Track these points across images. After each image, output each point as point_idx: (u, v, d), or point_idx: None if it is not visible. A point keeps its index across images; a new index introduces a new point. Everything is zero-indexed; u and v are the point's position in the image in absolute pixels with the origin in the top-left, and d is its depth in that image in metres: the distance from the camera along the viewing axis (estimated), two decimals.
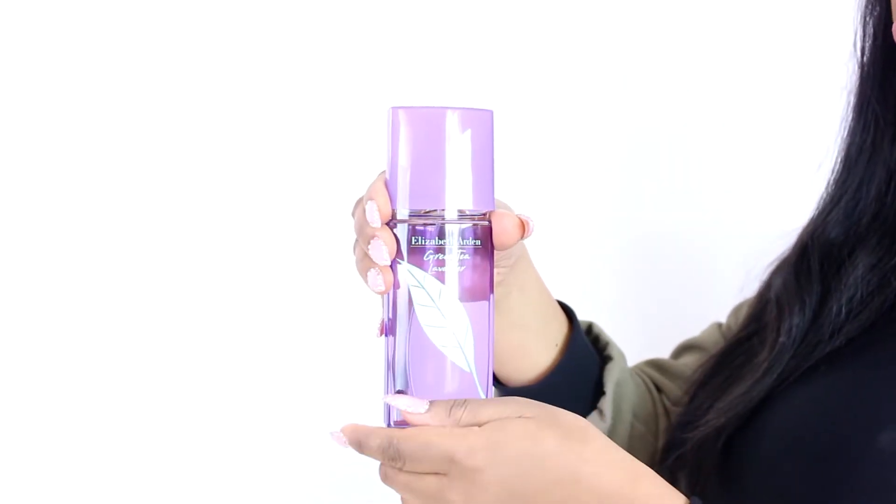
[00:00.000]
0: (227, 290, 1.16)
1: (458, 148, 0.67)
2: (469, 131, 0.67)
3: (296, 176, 1.16)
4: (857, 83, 0.83)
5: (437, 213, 0.67)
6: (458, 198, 0.67)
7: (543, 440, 0.63)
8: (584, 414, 0.87)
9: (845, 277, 0.80)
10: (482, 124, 0.68)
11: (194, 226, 1.15)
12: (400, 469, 0.65)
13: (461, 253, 0.67)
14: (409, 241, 0.67)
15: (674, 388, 0.94)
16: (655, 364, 0.97)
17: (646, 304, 1.21)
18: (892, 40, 0.76)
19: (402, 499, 0.67)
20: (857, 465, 0.70)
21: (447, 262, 0.67)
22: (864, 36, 0.82)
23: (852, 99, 0.83)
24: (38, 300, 1.12)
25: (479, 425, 0.64)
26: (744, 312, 0.91)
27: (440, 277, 0.67)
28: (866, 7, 0.82)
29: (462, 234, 0.67)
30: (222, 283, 1.16)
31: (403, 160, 0.67)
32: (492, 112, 0.69)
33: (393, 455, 0.65)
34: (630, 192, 1.21)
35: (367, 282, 0.68)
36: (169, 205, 1.14)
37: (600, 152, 1.21)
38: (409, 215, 0.67)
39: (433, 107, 0.68)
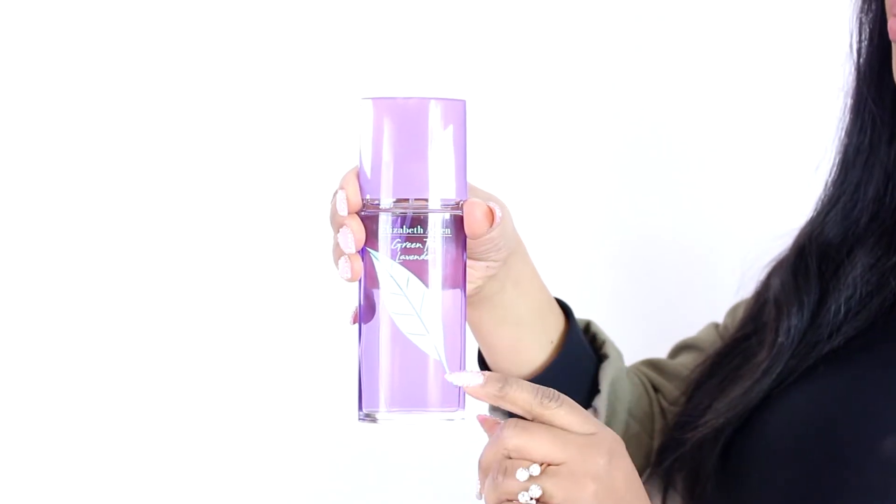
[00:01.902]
0: (227, 289, 1.16)
1: (433, 138, 0.67)
2: (444, 122, 0.68)
3: (293, 175, 1.16)
4: (854, 84, 0.83)
5: (409, 202, 0.67)
6: (434, 188, 0.67)
7: (600, 448, 0.65)
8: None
9: (843, 277, 0.80)
10: (456, 114, 0.68)
11: (193, 226, 1.15)
12: None
13: (432, 241, 0.67)
14: (381, 230, 0.67)
15: (671, 388, 0.94)
16: (652, 364, 0.97)
17: (642, 304, 1.21)
18: (888, 39, 0.76)
19: None
20: (861, 470, 0.70)
21: (417, 251, 0.67)
22: (860, 37, 0.82)
23: (849, 100, 0.83)
24: (34, 300, 1.12)
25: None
26: (741, 312, 0.91)
27: (409, 266, 0.67)
28: (861, 8, 0.82)
29: (433, 223, 0.67)
30: (221, 281, 1.16)
31: (379, 150, 0.67)
32: (464, 101, 0.69)
33: None
34: (627, 192, 1.21)
35: (337, 270, 0.69)
36: (166, 205, 1.14)
37: (596, 153, 1.21)
38: (383, 204, 0.67)
39: (408, 97, 0.68)
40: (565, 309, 0.88)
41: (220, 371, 1.16)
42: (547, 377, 0.85)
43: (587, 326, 0.91)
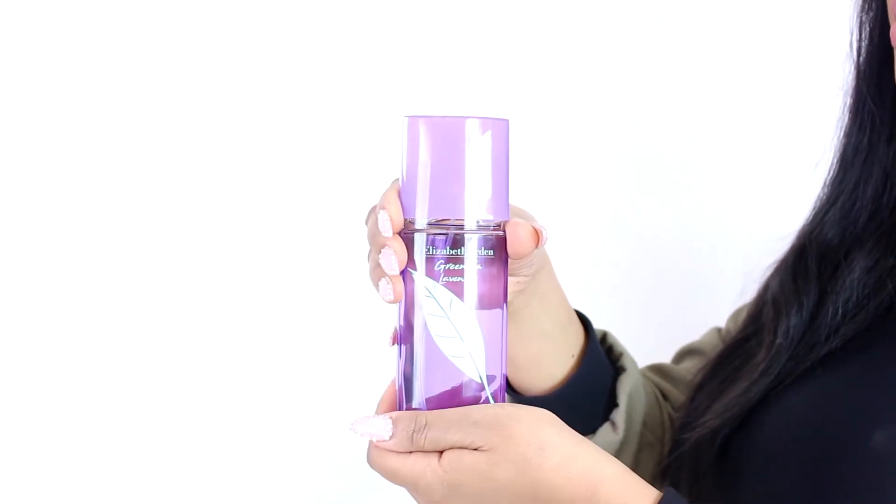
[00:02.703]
0: (228, 290, 1.16)
1: (476, 158, 0.67)
2: (487, 141, 0.67)
3: (303, 181, 1.17)
4: (853, 83, 0.83)
5: (451, 222, 0.67)
6: (475, 208, 0.67)
7: (497, 476, 0.64)
8: (596, 426, 0.87)
9: (841, 280, 0.80)
10: (499, 133, 0.68)
11: (202, 230, 1.15)
12: None
13: (474, 263, 0.67)
14: (423, 251, 0.67)
15: (676, 394, 0.94)
16: (659, 370, 0.97)
17: (644, 307, 1.21)
18: (889, 42, 0.76)
19: None
20: (852, 465, 0.70)
21: (460, 273, 0.67)
22: (861, 36, 0.82)
23: (848, 99, 0.83)
24: (41, 300, 1.13)
25: (441, 452, 0.65)
26: (743, 316, 0.91)
27: (452, 287, 0.67)
28: (862, 8, 0.82)
29: (475, 244, 0.67)
30: (223, 282, 1.16)
31: (421, 170, 0.67)
32: (508, 121, 0.68)
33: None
34: (627, 194, 1.22)
35: (378, 291, 0.68)
36: (177, 211, 1.15)
37: (597, 155, 1.21)
38: (424, 224, 0.67)
39: (451, 116, 0.67)
40: (584, 321, 0.88)
41: (220, 372, 1.16)
42: (567, 391, 0.85)
43: (604, 337, 0.92)
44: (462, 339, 0.67)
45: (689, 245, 1.21)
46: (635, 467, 0.90)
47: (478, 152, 0.67)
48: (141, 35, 1.12)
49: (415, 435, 0.66)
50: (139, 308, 1.14)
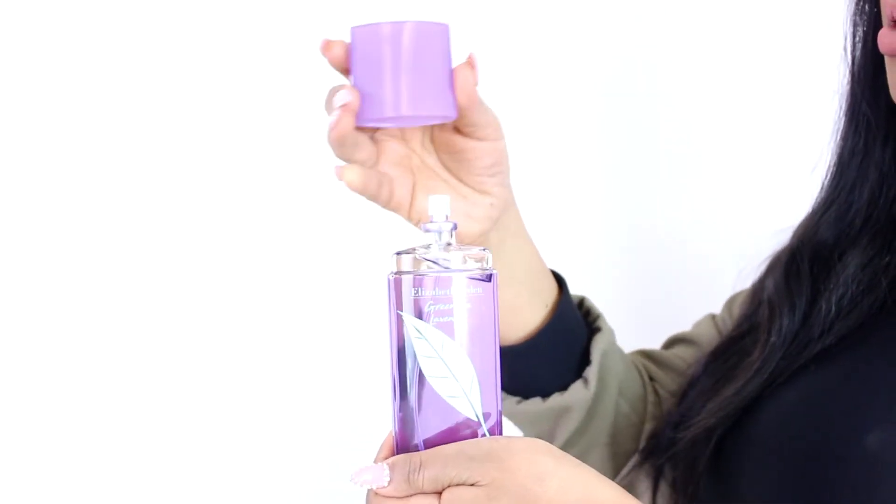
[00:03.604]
0: (229, 291, 1.17)
1: (410, 53, 0.69)
2: (422, 40, 0.69)
3: (303, 181, 1.17)
4: (848, 87, 0.83)
5: (439, 264, 0.67)
6: (414, 100, 0.69)
7: None
8: (569, 382, 0.88)
9: (835, 278, 0.81)
10: (437, 35, 0.70)
11: (199, 229, 1.16)
12: None
13: (464, 302, 0.67)
14: (410, 293, 0.67)
15: (665, 378, 0.95)
16: (645, 353, 0.99)
17: (639, 303, 1.21)
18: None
19: None
20: (844, 465, 0.70)
21: (449, 312, 0.67)
22: (854, 40, 0.82)
23: (843, 102, 0.83)
24: (41, 300, 1.13)
25: (440, 493, 0.65)
26: (738, 304, 0.92)
27: (443, 328, 0.67)
28: (856, 11, 0.82)
29: (463, 284, 0.67)
30: (224, 283, 1.16)
31: (359, 72, 0.70)
32: (447, 26, 0.71)
33: None
34: (625, 192, 1.22)
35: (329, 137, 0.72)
36: (177, 211, 1.15)
37: (595, 153, 1.22)
38: (410, 268, 0.67)
39: (390, 21, 0.70)
40: (558, 279, 0.90)
41: (221, 372, 1.17)
42: (541, 340, 0.87)
43: (581, 302, 0.93)
44: (456, 378, 0.67)
45: (688, 247, 1.22)
46: (612, 443, 0.91)
47: (416, 50, 0.70)
48: (141, 35, 1.12)
49: (411, 476, 0.65)
50: (137, 310, 1.15)
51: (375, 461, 0.68)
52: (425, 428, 0.67)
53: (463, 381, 0.67)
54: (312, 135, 1.18)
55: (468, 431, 0.67)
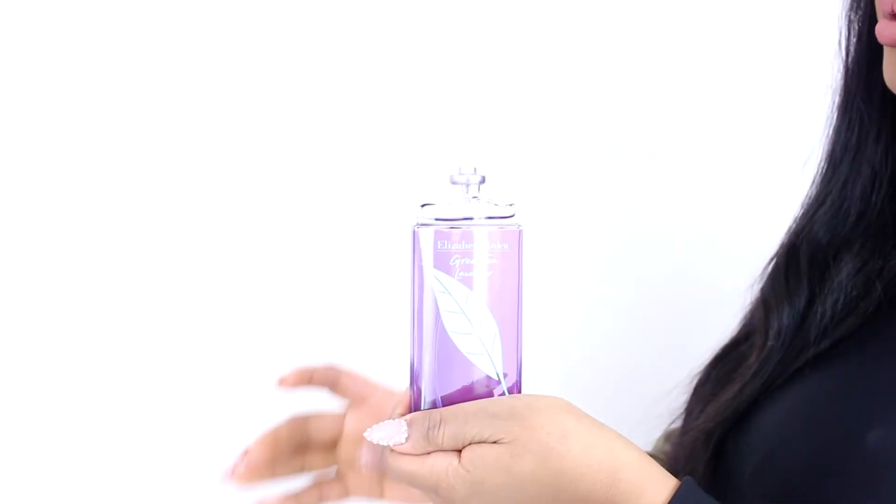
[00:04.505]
0: (227, 289, 1.16)
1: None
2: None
3: (302, 181, 1.16)
4: (842, 82, 0.83)
5: (464, 218, 0.66)
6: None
7: (520, 468, 0.64)
8: None
9: (830, 281, 0.80)
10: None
11: (203, 231, 1.15)
12: None
13: (489, 257, 0.66)
14: (435, 246, 0.65)
15: None
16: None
17: (637, 305, 1.21)
18: (877, 40, 0.76)
19: None
20: (845, 464, 0.70)
21: (474, 267, 0.65)
22: (849, 35, 0.82)
23: (837, 98, 0.83)
24: (41, 300, 1.12)
25: (460, 450, 0.64)
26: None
27: (467, 283, 0.65)
28: (850, 6, 0.82)
29: (489, 238, 0.66)
30: (222, 282, 1.16)
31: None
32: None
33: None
34: (614, 187, 1.22)
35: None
36: (177, 212, 1.14)
37: (590, 155, 1.21)
38: (435, 219, 0.66)
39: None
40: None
41: (221, 372, 1.16)
42: None
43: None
44: (478, 334, 0.66)
45: (676, 241, 1.21)
46: None
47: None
48: (141, 35, 1.12)
49: (430, 433, 0.64)
50: (137, 310, 1.14)
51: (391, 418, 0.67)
52: (444, 384, 0.66)
53: (485, 338, 0.66)
54: (312, 135, 1.17)
55: (486, 390, 0.66)
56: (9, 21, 1.08)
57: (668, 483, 0.66)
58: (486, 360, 0.66)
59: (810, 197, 0.84)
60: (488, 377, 0.67)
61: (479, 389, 0.66)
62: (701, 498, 0.66)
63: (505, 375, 0.67)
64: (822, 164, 0.84)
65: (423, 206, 0.67)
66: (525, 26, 1.18)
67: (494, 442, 0.63)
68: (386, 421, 0.66)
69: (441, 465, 0.64)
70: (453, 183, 0.67)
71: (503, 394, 0.67)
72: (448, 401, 0.66)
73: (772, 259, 0.87)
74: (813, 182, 0.85)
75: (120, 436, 1.14)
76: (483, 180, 0.67)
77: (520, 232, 0.67)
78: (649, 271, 1.22)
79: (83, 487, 1.13)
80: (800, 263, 0.83)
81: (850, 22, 0.82)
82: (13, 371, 1.11)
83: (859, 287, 0.80)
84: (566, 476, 0.64)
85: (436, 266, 0.66)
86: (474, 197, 0.67)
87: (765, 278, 0.86)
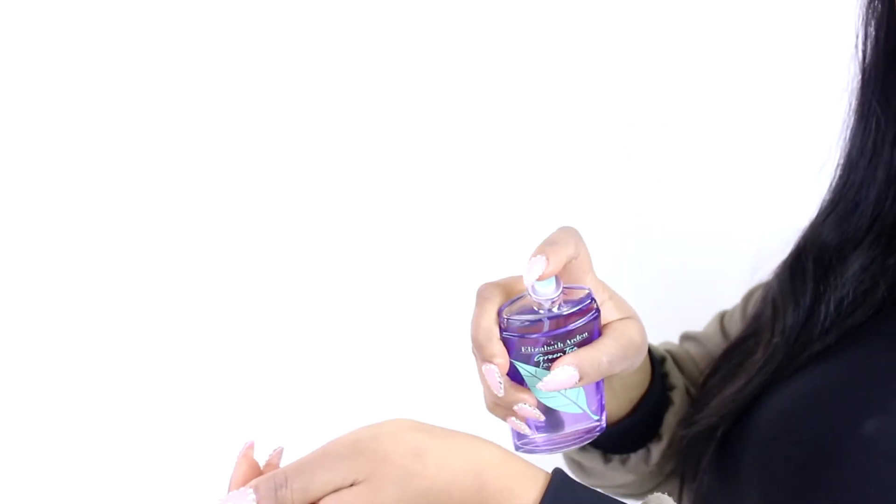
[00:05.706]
0: (228, 289, 1.16)
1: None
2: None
3: (303, 181, 1.17)
4: (858, 86, 0.83)
5: (541, 314, 0.70)
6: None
7: (385, 500, 0.61)
8: (633, 450, 0.87)
9: (836, 278, 0.81)
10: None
11: (203, 231, 1.15)
12: None
13: (570, 347, 0.70)
14: (519, 349, 0.69)
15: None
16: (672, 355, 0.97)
17: (650, 307, 1.21)
18: (893, 41, 0.76)
19: None
20: (843, 453, 0.71)
21: (560, 351, 0.70)
22: (866, 38, 0.82)
23: (853, 101, 0.83)
24: (41, 300, 1.12)
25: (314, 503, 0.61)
26: (754, 299, 0.92)
27: (553, 363, 0.70)
28: (867, 10, 0.82)
29: (568, 335, 0.70)
30: (223, 282, 1.16)
31: None
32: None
33: None
34: (629, 191, 1.22)
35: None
36: (177, 212, 1.15)
37: (610, 160, 1.22)
38: (510, 322, 0.70)
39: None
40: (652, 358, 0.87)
41: (221, 372, 1.16)
42: (616, 430, 0.85)
43: (662, 360, 0.91)
44: (565, 396, 0.71)
45: (691, 247, 1.21)
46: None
47: None
48: (141, 35, 1.12)
49: (279, 493, 0.61)
50: (137, 310, 1.14)
51: (231, 488, 0.64)
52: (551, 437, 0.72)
53: (570, 394, 0.71)
54: (312, 135, 1.18)
55: (577, 421, 0.72)
56: (9, 21, 1.08)
57: (537, 476, 0.64)
58: (572, 407, 0.71)
59: (825, 201, 0.85)
60: (575, 414, 0.72)
61: (570, 424, 0.73)
62: (574, 486, 0.65)
63: (589, 409, 0.72)
64: (838, 168, 0.84)
65: (505, 315, 0.70)
66: (536, 24, 1.19)
67: (351, 484, 0.61)
68: (231, 492, 0.63)
69: None
70: (533, 295, 0.70)
71: (602, 429, 0.73)
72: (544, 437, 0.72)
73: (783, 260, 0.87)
74: (829, 186, 0.85)
75: (120, 436, 1.14)
76: (561, 291, 0.70)
77: (596, 311, 0.71)
78: (662, 279, 1.22)
79: (83, 487, 1.14)
80: (807, 264, 0.83)
81: (867, 26, 0.82)
82: (13, 371, 1.11)
83: (866, 283, 0.80)
84: (432, 492, 0.62)
85: (520, 360, 0.70)
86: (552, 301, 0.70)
87: (774, 277, 0.87)
